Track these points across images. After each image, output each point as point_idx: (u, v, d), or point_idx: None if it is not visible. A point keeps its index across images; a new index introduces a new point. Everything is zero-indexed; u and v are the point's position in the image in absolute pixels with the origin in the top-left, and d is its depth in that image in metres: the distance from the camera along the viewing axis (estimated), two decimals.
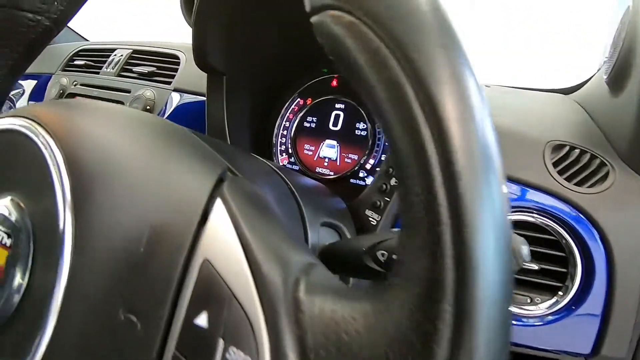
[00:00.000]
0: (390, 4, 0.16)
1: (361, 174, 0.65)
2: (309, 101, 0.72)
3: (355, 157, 0.66)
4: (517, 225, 0.51)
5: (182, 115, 0.69)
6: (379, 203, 0.49)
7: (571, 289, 0.49)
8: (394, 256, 0.34)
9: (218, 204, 0.22)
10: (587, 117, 0.64)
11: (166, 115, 0.70)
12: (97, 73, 0.83)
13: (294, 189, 0.39)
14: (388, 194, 0.49)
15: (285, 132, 0.74)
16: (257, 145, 0.74)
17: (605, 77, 0.60)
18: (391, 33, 0.16)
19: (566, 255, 0.49)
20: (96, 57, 0.88)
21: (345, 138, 0.68)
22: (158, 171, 0.23)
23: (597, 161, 0.51)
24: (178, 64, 0.75)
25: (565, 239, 0.49)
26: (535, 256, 0.51)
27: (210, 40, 0.56)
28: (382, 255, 0.34)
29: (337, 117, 0.69)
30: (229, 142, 0.62)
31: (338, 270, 0.38)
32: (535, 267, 0.50)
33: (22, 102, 0.93)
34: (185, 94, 0.71)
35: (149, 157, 0.24)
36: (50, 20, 0.36)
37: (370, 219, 0.50)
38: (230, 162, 0.29)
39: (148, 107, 0.72)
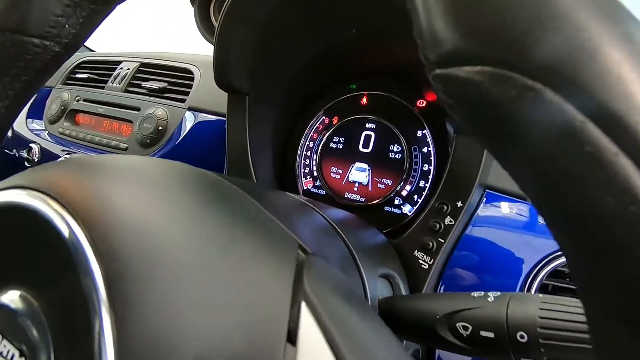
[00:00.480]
0: (601, 71, 0.10)
1: (397, 201, 0.60)
2: (335, 120, 0.66)
3: (390, 182, 0.61)
4: None
5: (198, 137, 0.64)
6: (431, 244, 0.44)
7: None
8: (483, 333, 0.28)
9: (304, 313, 0.16)
10: None
11: (182, 136, 0.64)
12: (102, 88, 0.77)
13: (347, 240, 0.34)
14: (442, 234, 0.43)
15: (309, 153, 0.68)
16: (279, 168, 0.68)
17: None
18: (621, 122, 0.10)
19: None
20: (101, 70, 0.82)
21: (378, 161, 0.62)
22: (219, 263, 0.17)
23: None
24: (192, 79, 0.69)
25: None
26: None
27: (234, 59, 0.50)
28: (464, 328, 0.29)
29: (367, 138, 0.63)
30: (251, 166, 0.56)
31: (400, 331, 0.32)
32: None
33: (18, 120, 0.87)
34: (201, 113, 0.66)
35: (204, 241, 0.18)
36: (60, 46, 0.30)
37: (421, 262, 0.44)
38: (286, 222, 0.23)
39: (160, 128, 0.66)
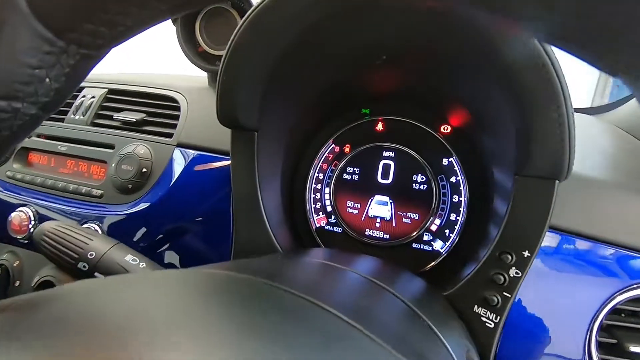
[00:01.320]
0: None
1: (426, 237, 0.55)
2: (347, 149, 0.60)
3: (416, 216, 0.55)
4: None
5: (194, 179, 0.54)
6: (495, 300, 0.39)
7: None
8: None
9: None
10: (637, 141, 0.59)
11: (174, 179, 0.54)
12: (62, 120, 0.64)
13: (431, 325, 0.28)
14: (507, 287, 0.38)
15: (319, 186, 0.61)
16: (288, 204, 0.61)
17: None
18: None
19: None
20: None
21: (400, 193, 0.56)
22: None
23: None
24: (177, 109, 0.59)
25: None
26: None
27: (243, 94, 0.42)
28: None
29: (386, 167, 0.57)
30: (262, 208, 0.48)
31: None
32: None
33: None
34: (193, 151, 0.56)
35: None
36: (37, 106, 0.22)
37: (485, 320, 0.39)
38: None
39: (145, 170, 0.55)
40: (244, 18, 0.36)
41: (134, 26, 0.20)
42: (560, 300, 0.43)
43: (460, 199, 0.53)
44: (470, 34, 0.33)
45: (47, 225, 0.40)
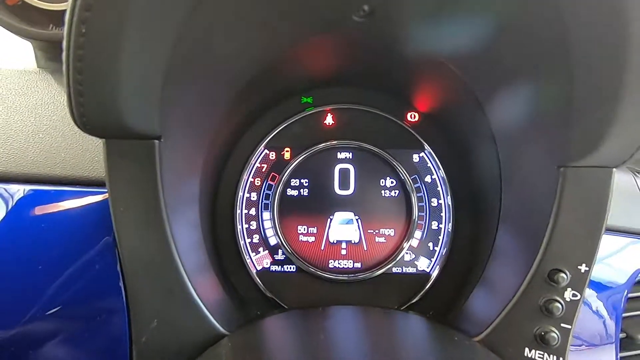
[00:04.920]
0: None
1: (407, 257, 0.42)
2: (286, 154, 0.43)
3: (391, 232, 0.43)
4: None
5: (36, 236, 0.28)
6: (555, 337, 0.28)
7: None
8: None
9: None
10: None
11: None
12: None
13: None
14: (565, 317, 0.28)
15: (253, 212, 0.42)
16: (213, 245, 0.40)
17: None
18: None
19: None
20: None
21: (367, 206, 0.43)
22: None
23: None
24: None
25: None
26: None
27: (133, 80, 0.21)
28: None
29: (344, 173, 0.43)
30: (173, 247, 0.28)
31: None
32: None
33: None
34: (17, 185, 0.30)
35: None
36: None
37: None
38: None
39: None
40: None
41: None
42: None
43: (441, 202, 0.43)
44: None
45: None
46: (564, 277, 0.29)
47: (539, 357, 0.29)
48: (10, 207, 0.29)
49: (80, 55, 0.20)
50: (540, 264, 0.29)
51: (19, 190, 0.30)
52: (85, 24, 0.19)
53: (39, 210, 0.31)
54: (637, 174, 0.45)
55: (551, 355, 0.29)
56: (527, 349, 0.30)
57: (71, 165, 0.31)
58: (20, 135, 0.32)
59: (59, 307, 0.29)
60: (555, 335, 0.29)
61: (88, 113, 0.23)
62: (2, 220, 0.29)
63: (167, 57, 0.23)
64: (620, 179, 0.44)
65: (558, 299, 0.29)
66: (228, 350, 0.27)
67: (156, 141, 0.27)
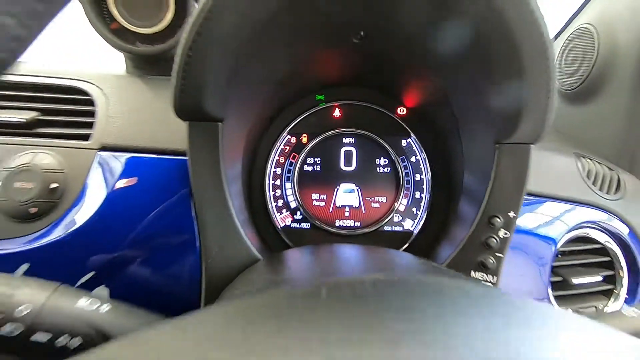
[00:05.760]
0: None
1: (396, 218, 0.55)
2: (304, 139, 0.56)
3: (384, 199, 0.55)
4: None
5: (131, 188, 0.42)
6: (491, 261, 0.41)
7: (621, 288, 0.53)
8: None
9: None
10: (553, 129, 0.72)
11: (107, 192, 0.41)
12: None
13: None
14: (499, 248, 0.41)
15: (278, 182, 0.56)
16: (250, 205, 0.54)
17: (566, 89, 0.69)
18: None
19: (612, 259, 0.53)
20: None
21: (365, 179, 0.56)
22: None
23: (607, 168, 0.56)
24: (89, 103, 0.45)
25: (611, 246, 0.53)
26: (589, 266, 0.53)
27: (211, 80, 0.35)
28: None
29: (348, 154, 0.56)
30: (232, 210, 0.41)
31: None
32: (600, 278, 0.52)
33: None
34: (120, 153, 0.43)
35: None
36: None
37: (485, 283, 0.41)
38: None
39: (55, 185, 0.40)
40: None
41: None
42: (520, 251, 0.49)
43: (422, 177, 0.55)
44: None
45: None
46: (499, 221, 0.41)
47: (480, 276, 0.42)
48: (121, 167, 0.43)
49: (187, 67, 0.34)
50: (483, 213, 0.42)
51: (124, 157, 0.44)
52: (193, 40, 0.32)
53: (139, 170, 0.45)
54: (580, 158, 0.57)
55: (489, 275, 0.42)
56: (472, 272, 0.42)
57: (159, 140, 0.45)
58: (123, 120, 0.46)
59: (151, 239, 0.43)
60: (492, 261, 0.41)
61: (183, 102, 0.36)
62: (119, 175, 0.43)
63: (233, 63, 0.37)
64: (565, 160, 0.56)
65: (494, 236, 0.42)
66: (261, 265, 0.40)
67: (220, 123, 0.40)
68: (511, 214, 0.41)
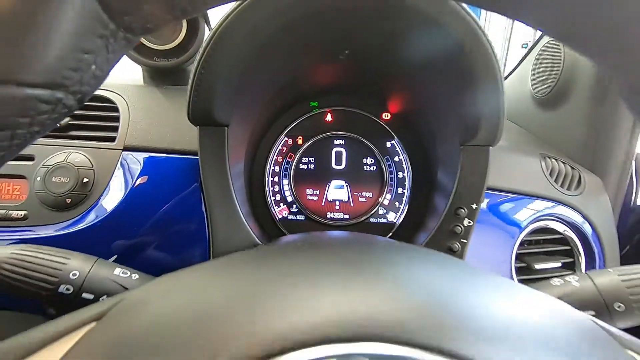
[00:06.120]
0: None
1: (380, 211, 0.62)
2: (299, 141, 0.63)
3: (370, 194, 0.63)
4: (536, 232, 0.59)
5: (149, 183, 0.49)
6: (457, 246, 0.48)
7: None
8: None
9: None
10: (523, 130, 0.79)
11: (129, 186, 0.48)
12: None
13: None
14: (464, 235, 0.48)
15: (276, 179, 0.63)
16: (251, 199, 0.61)
17: (538, 95, 0.76)
18: None
19: (571, 247, 0.60)
20: None
21: (354, 176, 0.63)
22: None
23: (569, 167, 0.63)
24: (113, 109, 0.53)
25: (570, 235, 0.60)
26: (551, 254, 0.60)
27: (221, 91, 0.42)
28: None
29: (339, 154, 0.63)
30: (238, 206, 0.48)
31: None
32: (559, 264, 0.59)
33: None
34: (140, 153, 0.51)
35: None
36: (75, 98, 0.19)
37: None
38: None
39: (86, 180, 0.48)
40: (230, 9, 0.37)
41: (197, 7, 0.19)
42: (488, 239, 0.55)
43: (404, 174, 0.62)
44: (419, 28, 0.41)
45: (1, 251, 0.33)
46: (463, 211, 0.49)
47: None
48: (141, 165, 0.51)
49: (199, 81, 0.41)
50: (450, 205, 0.49)
51: (143, 156, 0.51)
52: (206, 55, 0.39)
53: (156, 167, 0.52)
54: (545, 158, 0.63)
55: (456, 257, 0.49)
56: None
57: (174, 141, 0.52)
58: (143, 124, 0.54)
59: (166, 227, 0.50)
60: (458, 246, 0.48)
61: (195, 110, 0.43)
62: (139, 172, 0.50)
63: (238, 78, 0.44)
64: (530, 160, 0.63)
65: (460, 224, 0.49)
66: (260, 247, 0.47)
67: (226, 127, 0.48)
68: (474, 206, 0.48)
